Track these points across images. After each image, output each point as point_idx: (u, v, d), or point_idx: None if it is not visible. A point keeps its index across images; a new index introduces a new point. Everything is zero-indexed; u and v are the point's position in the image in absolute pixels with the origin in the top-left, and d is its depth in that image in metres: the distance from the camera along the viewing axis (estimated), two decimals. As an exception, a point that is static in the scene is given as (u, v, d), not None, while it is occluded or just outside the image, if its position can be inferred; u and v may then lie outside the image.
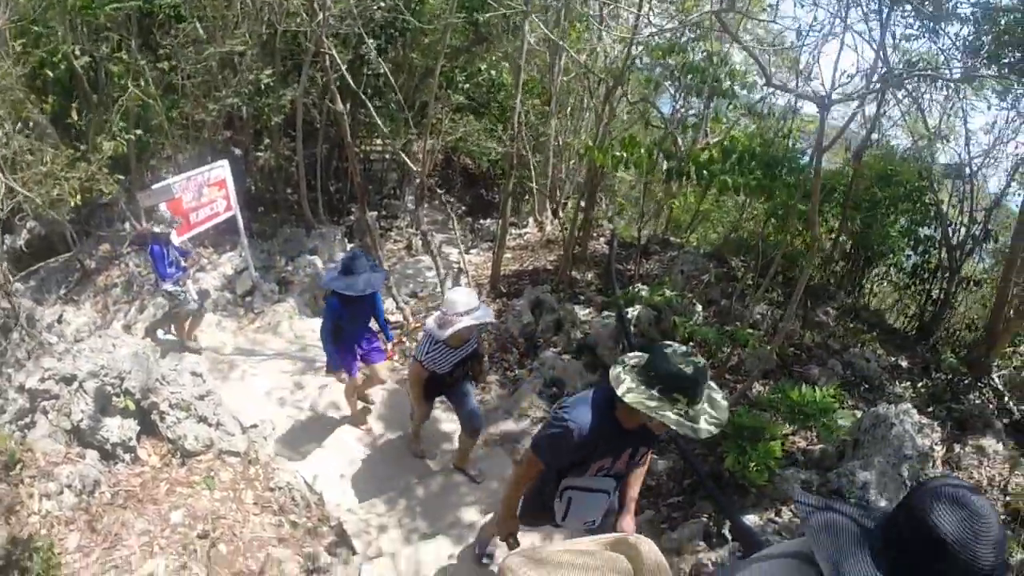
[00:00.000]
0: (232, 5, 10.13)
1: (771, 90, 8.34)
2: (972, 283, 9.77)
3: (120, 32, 9.77)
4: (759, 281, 6.75)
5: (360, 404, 6.54)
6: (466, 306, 4.50)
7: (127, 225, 11.07)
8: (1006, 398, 7.42)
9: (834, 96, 5.23)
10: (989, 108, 10.37)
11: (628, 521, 3.50)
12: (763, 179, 5.79)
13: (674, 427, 2.67)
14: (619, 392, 2.81)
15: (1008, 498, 5.19)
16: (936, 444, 5.62)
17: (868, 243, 9.27)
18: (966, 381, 7.59)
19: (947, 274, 9.51)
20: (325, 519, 4.88)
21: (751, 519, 4.68)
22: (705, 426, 2.69)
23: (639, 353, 2.98)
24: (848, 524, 1.76)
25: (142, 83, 9.56)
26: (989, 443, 6.08)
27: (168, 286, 7.67)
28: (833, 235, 9.57)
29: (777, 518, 4.71)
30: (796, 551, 1.90)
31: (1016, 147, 9.47)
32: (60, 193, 5.87)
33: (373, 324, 6.06)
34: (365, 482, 5.51)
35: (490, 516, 4.65)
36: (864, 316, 9.43)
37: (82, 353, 4.68)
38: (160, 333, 8.44)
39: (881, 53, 6.08)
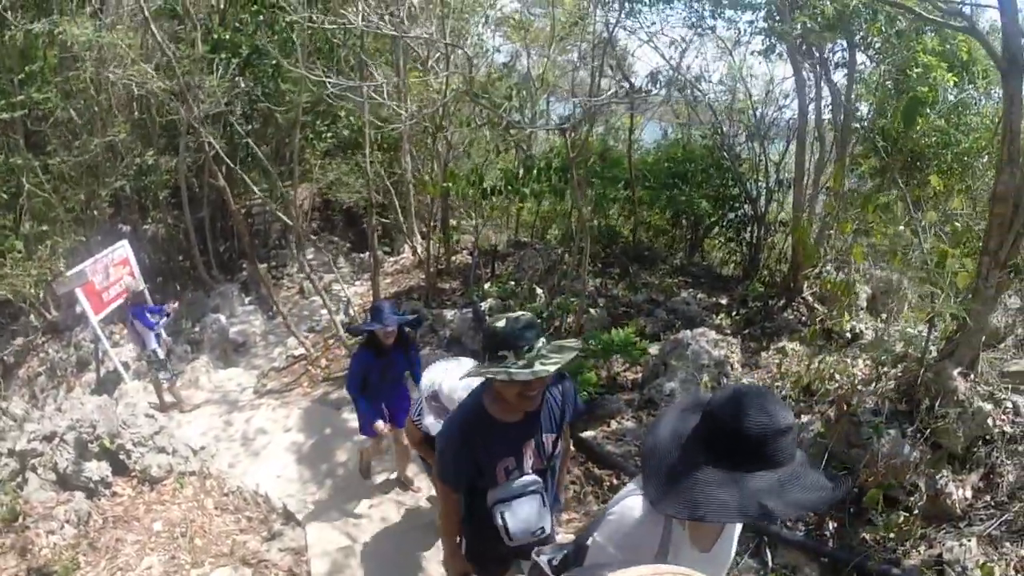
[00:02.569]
0: (103, 93, 11.18)
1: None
2: (780, 225, 11.81)
3: (6, 133, 10.76)
4: (581, 260, 8.35)
5: (397, 483, 6.35)
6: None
7: (31, 317, 11.91)
8: (818, 309, 9.27)
9: (568, 124, 7.00)
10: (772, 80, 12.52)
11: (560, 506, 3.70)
12: (557, 184, 7.50)
13: (508, 378, 2.68)
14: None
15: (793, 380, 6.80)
16: (732, 353, 7.31)
17: (679, 211, 11.25)
18: (781, 303, 9.47)
19: (754, 223, 11.56)
20: (272, 509, 6.24)
21: (588, 434, 6.36)
22: (540, 367, 2.65)
23: None
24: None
25: (34, 178, 10.58)
26: (791, 346, 7.78)
27: (155, 345, 8.50)
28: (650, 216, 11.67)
29: (607, 428, 6.41)
30: None
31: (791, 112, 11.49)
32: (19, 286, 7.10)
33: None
34: (298, 475, 6.85)
35: None
36: (694, 272, 11.33)
37: (56, 414, 5.95)
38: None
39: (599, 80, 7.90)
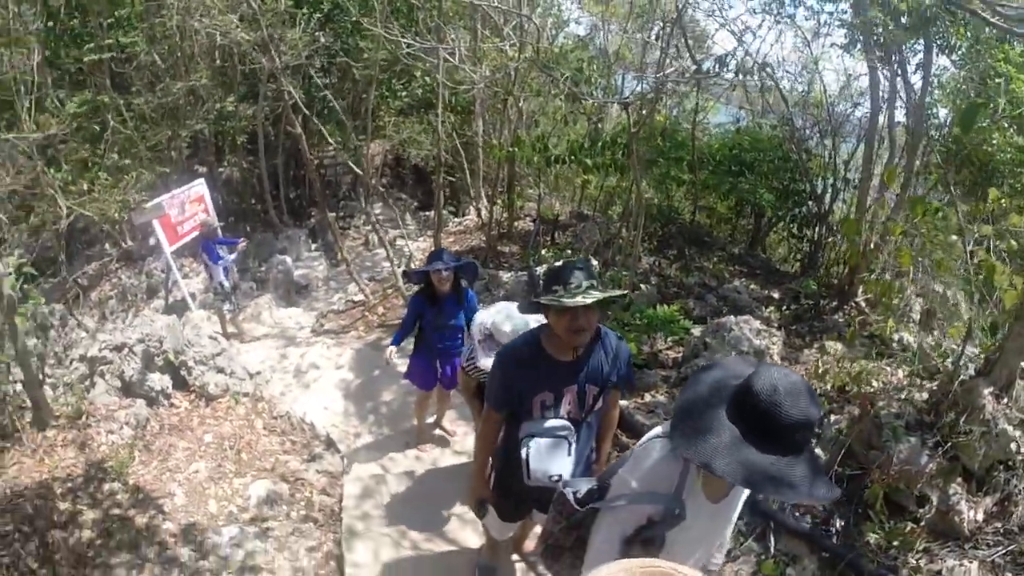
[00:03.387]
0: (187, 40, 11.69)
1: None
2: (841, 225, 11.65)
3: (96, 74, 11.37)
4: (636, 236, 8.48)
5: (434, 427, 6.58)
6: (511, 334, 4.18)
7: (107, 245, 12.57)
8: (869, 315, 9.22)
9: (631, 98, 7.11)
10: (851, 77, 12.34)
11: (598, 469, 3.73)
12: (620, 159, 7.64)
13: (546, 302, 3.00)
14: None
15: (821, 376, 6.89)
16: (773, 345, 7.38)
17: (743, 199, 11.22)
18: (833, 304, 9.43)
19: (818, 221, 11.46)
20: (315, 436, 6.62)
21: (622, 403, 6.54)
22: (580, 300, 2.93)
23: None
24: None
25: (118, 117, 11.17)
26: (832, 345, 7.84)
27: (222, 277, 9.04)
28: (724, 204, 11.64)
29: (640, 400, 6.58)
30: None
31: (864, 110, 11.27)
32: (105, 209, 7.69)
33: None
34: (343, 409, 7.27)
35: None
36: (751, 263, 11.33)
37: (128, 327, 6.41)
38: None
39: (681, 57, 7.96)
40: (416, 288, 5.80)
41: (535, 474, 3.29)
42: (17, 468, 5.28)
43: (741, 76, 7.98)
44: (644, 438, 2.63)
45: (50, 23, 11.14)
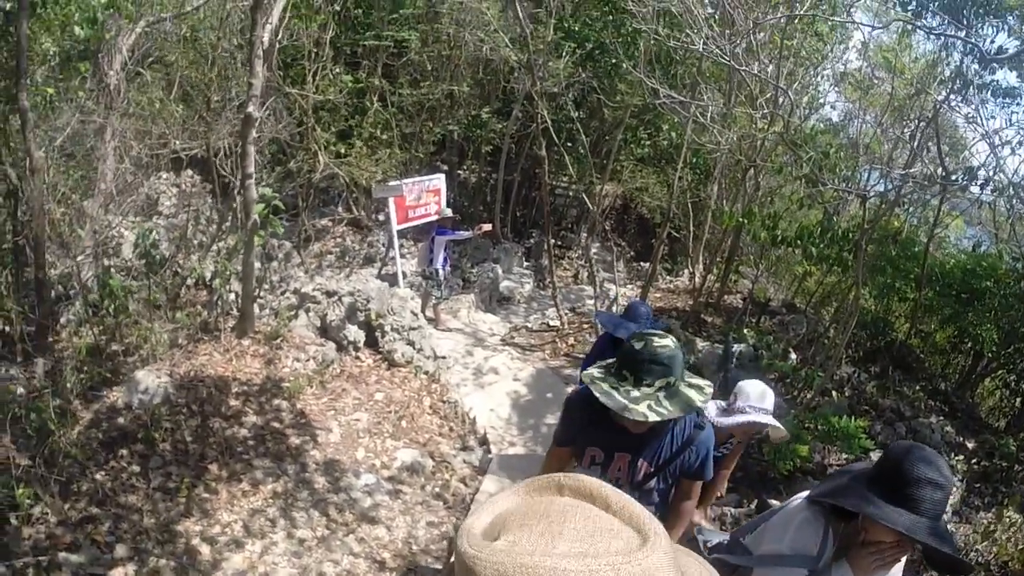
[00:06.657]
0: (455, 49, 12.49)
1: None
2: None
3: (368, 60, 12.39)
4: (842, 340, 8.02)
5: None
6: (759, 401, 3.94)
7: (339, 208, 13.56)
8: None
9: (870, 192, 6.72)
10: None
11: None
12: (846, 256, 7.27)
13: (600, 397, 2.66)
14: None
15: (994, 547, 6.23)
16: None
17: (964, 330, 10.14)
18: None
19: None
20: (473, 431, 6.79)
21: (772, 502, 6.23)
22: (635, 407, 2.60)
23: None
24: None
25: (379, 101, 12.10)
26: (1012, 515, 6.99)
27: (440, 264, 9.53)
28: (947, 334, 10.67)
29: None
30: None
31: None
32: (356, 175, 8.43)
33: None
34: (507, 417, 7.41)
35: None
36: (955, 403, 10.33)
37: (344, 279, 6.90)
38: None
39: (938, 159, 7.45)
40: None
41: None
42: (207, 359, 5.87)
43: (991, 193, 7.37)
44: (787, 502, 2.72)
45: (338, 8, 12.27)
